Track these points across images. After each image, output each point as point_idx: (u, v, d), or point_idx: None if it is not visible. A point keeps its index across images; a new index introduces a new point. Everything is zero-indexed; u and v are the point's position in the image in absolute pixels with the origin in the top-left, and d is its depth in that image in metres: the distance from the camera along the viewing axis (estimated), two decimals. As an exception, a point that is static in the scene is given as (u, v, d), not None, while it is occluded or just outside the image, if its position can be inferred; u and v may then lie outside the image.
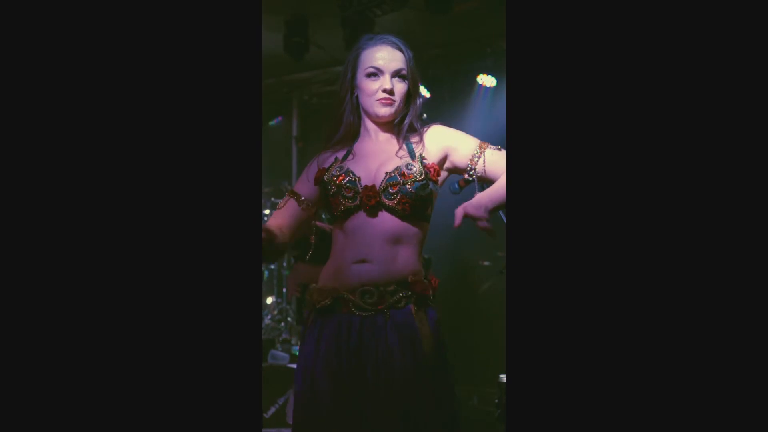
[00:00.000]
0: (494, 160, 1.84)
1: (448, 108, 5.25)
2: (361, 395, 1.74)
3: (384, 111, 1.87)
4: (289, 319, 5.38)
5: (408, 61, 1.89)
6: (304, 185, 1.95)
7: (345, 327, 1.78)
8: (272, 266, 5.83)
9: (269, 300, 5.87)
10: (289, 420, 3.44)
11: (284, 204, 1.95)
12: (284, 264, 5.87)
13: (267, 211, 5.94)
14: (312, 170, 1.95)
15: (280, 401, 4.09)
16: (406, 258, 1.81)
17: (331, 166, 1.90)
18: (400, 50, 1.89)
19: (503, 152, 1.85)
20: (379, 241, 1.79)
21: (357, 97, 1.92)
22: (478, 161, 1.84)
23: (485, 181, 1.85)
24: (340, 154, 1.93)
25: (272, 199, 5.96)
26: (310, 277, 3.25)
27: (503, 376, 2.81)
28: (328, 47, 5.01)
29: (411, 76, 1.90)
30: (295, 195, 1.94)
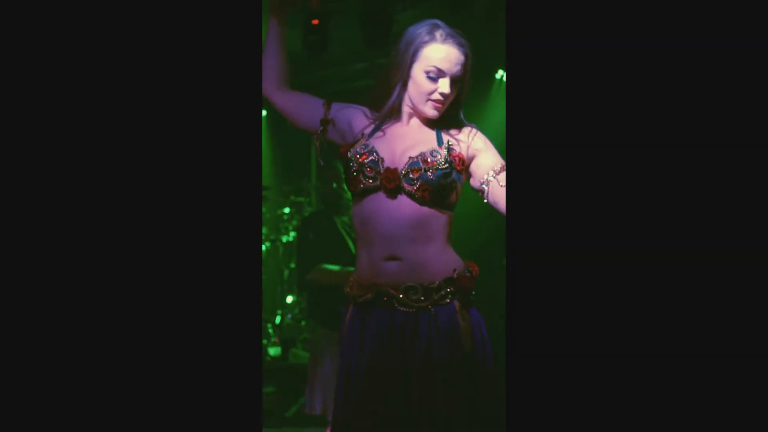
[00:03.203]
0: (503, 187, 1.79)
1: (468, 103, 5.22)
2: (404, 392, 1.74)
3: (433, 113, 1.86)
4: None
5: (467, 65, 1.85)
6: (352, 112, 1.95)
7: (388, 323, 1.77)
8: (292, 266, 5.83)
9: (289, 299, 5.89)
10: (308, 409, 3.41)
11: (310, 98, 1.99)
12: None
13: (287, 209, 5.94)
14: (356, 115, 1.94)
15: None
16: (435, 253, 1.79)
17: (356, 142, 1.87)
18: (465, 55, 1.85)
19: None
20: (401, 230, 1.76)
21: (406, 84, 1.87)
22: (491, 182, 1.81)
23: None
24: (368, 130, 1.90)
25: (291, 197, 5.96)
26: (327, 278, 3.24)
27: None
28: (348, 45, 5.01)
29: (466, 78, 1.87)
30: (328, 104, 1.96)
